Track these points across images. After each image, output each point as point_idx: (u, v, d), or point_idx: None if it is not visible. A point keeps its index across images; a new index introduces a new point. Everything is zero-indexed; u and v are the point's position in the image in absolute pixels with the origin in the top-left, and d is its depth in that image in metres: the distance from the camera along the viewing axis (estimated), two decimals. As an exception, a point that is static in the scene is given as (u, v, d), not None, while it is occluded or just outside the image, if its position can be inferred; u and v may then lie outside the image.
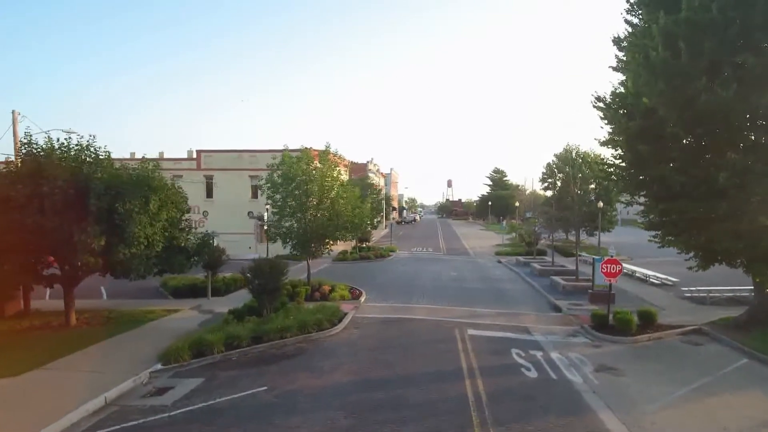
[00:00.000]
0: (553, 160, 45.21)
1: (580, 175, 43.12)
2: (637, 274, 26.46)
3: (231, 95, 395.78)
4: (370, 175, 73.07)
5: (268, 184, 20.86)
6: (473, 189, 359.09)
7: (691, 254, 16.60)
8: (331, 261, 34.93)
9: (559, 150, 46.78)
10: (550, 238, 46.96)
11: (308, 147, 22.10)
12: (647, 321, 16.11)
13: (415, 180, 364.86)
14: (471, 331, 15.72)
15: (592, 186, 44.19)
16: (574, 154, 44.25)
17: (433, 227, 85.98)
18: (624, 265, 30.62)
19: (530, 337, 15.36)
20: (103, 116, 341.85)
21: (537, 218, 36.47)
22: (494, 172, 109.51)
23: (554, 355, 13.53)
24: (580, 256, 28.98)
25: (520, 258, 34.48)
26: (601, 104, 18.22)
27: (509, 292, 23.27)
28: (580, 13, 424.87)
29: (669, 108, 13.14)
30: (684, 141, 14.83)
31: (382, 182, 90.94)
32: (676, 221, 16.11)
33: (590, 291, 20.52)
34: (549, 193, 46.29)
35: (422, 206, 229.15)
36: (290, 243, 21.46)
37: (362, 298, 20.79)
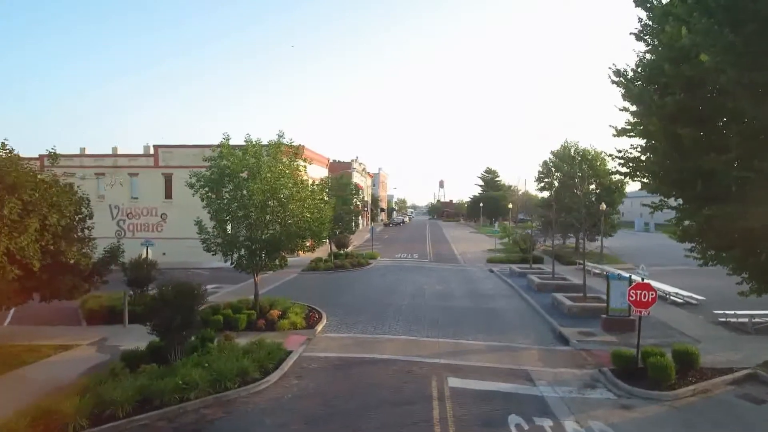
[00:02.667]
0: (550, 158, 41.32)
1: (579, 174, 39.33)
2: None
3: (231, 95, 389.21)
4: (355, 174, 68.90)
5: (200, 182, 16.60)
6: (466, 190, 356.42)
7: (744, 275, 12.61)
8: (299, 271, 30.73)
9: (557, 147, 42.99)
10: (548, 243, 43.15)
11: (255, 139, 17.83)
12: (687, 364, 12.09)
13: (408, 181, 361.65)
14: (453, 381, 11.58)
15: (593, 186, 40.49)
16: (572, 151, 40.37)
17: (421, 230, 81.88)
18: (631, 275, 26.88)
19: (533, 390, 11.26)
20: (101, 117, 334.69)
21: (533, 221, 32.35)
22: (486, 172, 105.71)
23: (570, 425, 9.45)
24: (585, 266, 24.17)
25: (515, 267, 30.45)
26: (621, 79, 14.23)
27: (503, 314, 19.18)
28: (576, 9, 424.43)
29: (739, 69, 9.05)
30: (751, 121, 10.74)
31: (368, 182, 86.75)
32: (725, 231, 12.10)
33: (604, 316, 16.48)
34: (545, 193, 42.41)
35: (414, 207, 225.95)
36: (232, 256, 17.24)
37: (320, 326, 16.58)
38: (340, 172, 39.75)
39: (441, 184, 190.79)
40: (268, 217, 17.13)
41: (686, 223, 13.85)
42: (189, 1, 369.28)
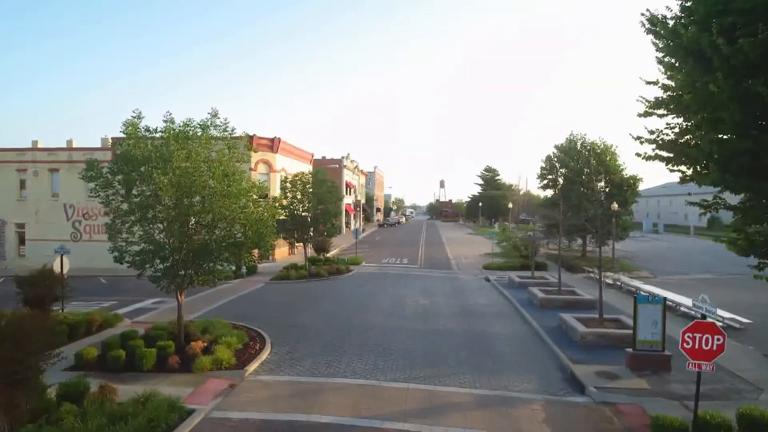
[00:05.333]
0: (554, 153, 37.29)
1: (587, 170, 35.34)
2: (681, 307, 18.57)
3: (231, 93, 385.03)
4: (346, 172, 64.96)
5: (90, 173, 12.68)
6: (467, 189, 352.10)
7: None
8: (267, 281, 26.82)
9: (561, 141, 39.00)
10: (552, 246, 39.10)
11: (185, 120, 13.84)
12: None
13: (409, 181, 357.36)
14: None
15: (601, 184, 36.46)
16: (579, 145, 36.36)
17: (417, 231, 77.87)
18: (649, 288, 22.81)
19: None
20: (102, 119, 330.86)
21: (535, 223, 28.27)
22: (486, 170, 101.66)
23: None
24: (601, 280, 17.76)
25: (515, 275, 26.46)
26: (659, 29, 10.28)
27: (498, 342, 15.20)
28: (576, 6, 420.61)
29: None
30: None
31: (362, 180, 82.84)
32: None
33: (629, 350, 12.49)
34: (549, 192, 38.42)
35: (415, 207, 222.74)
36: (144, 269, 13.31)
37: (255, 363, 12.60)
38: (318, 168, 35.76)
39: (441, 184, 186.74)
40: (192, 219, 13.18)
41: (754, 228, 9.88)
42: (190, 1, 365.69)
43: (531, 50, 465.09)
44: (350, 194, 69.38)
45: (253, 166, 33.41)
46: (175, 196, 12.19)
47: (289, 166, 36.18)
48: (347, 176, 66.50)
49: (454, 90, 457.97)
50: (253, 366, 12.31)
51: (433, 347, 14.42)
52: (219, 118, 14.03)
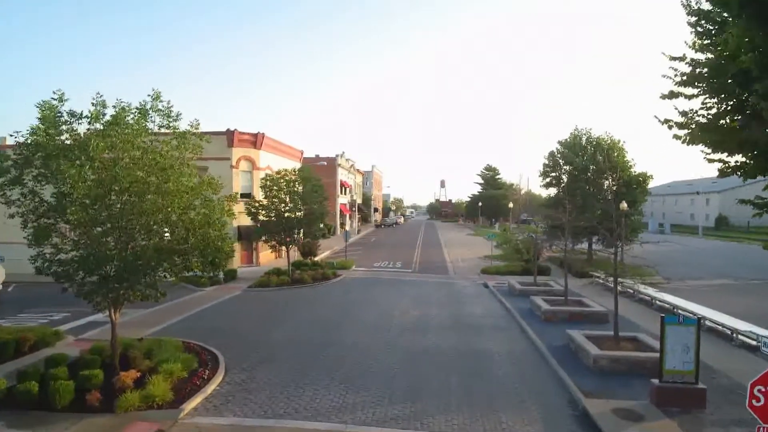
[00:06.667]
0: (557, 148, 34.98)
1: (593, 167, 33.01)
2: (706, 321, 16.25)
3: (229, 94, 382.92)
4: (341, 171, 62.74)
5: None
6: (468, 189, 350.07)
7: None
8: (245, 288, 24.60)
9: (565, 136, 36.68)
10: (555, 249, 36.78)
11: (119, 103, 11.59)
12: None
13: (410, 181, 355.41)
14: None
15: (609, 181, 34.12)
16: (584, 140, 34.05)
17: (415, 232, 75.62)
18: (667, 297, 20.37)
19: None
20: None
21: (538, 224, 25.95)
22: (486, 169, 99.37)
23: None
24: (617, 291, 14.43)
25: (516, 282, 24.16)
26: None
27: (495, 366, 12.92)
28: (577, 4, 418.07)
29: None
30: None
31: (358, 180, 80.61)
32: None
33: (656, 382, 10.19)
34: (552, 191, 36.07)
35: (415, 207, 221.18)
36: (73, 283, 11.08)
37: (197, 399, 10.31)
38: (304, 165, 33.46)
39: (442, 184, 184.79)
40: (123, 222, 10.93)
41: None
42: (191, 1, 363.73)
43: (533, 48, 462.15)
44: (345, 194, 67.14)
45: (234, 163, 31.18)
46: (94, 193, 9.92)
47: (275, 164, 33.90)
48: (342, 175, 64.26)
49: (455, 89, 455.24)
50: (192, 403, 10.03)
51: (420, 372, 12.16)
52: (162, 101, 11.80)
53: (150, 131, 11.62)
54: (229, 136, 30.82)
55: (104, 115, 11.16)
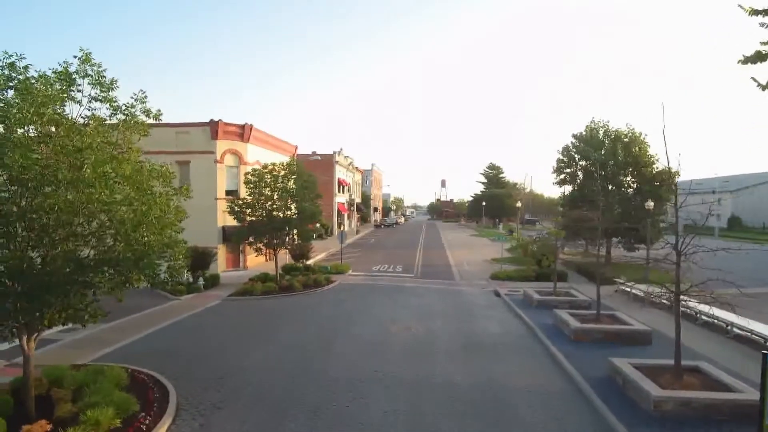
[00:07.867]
0: (572, 142, 32.15)
1: (612, 162, 30.20)
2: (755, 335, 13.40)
3: (228, 94, 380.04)
4: (338, 169, 59.94)
5: None
6: (469, 189, 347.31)
7: None
8: (226, 296, 21.79)
9: (580, 129, 33.90)
10: (570, 252, 34.03)
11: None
12: None
13: (411, 181, 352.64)
14: None
15: (628, 178, 31.34)
16: (602, 134, 31.24)
17: (416, 232, 72.80)
18: (718, 313, 16.84)
19: None
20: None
21: (557, 226, 23.16)
22: (489, 168, 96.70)
23: None
24: (679, 310, 11.13)
25: (532, 290, 21.28)
26: None
27: (524, 408, 10.05)
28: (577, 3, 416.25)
29: None
30: None
31: (357, 178, 77.79)
32: None
33: (757, 446, 7.36)
34: (567, 188, 33.20)
35: (416, 207, 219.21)
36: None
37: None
38: (294, 160, 30.55)
39: (443, 183, 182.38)
40: (43, 218, 8.12)
41: None
42: (192, 2, 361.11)
43: (535, 46, 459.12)
44: (343, 192, 64.35)
45: (219, 157, 28.34)
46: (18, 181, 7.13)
47: (265, 158, 31.09)
48: (340, 173, 61.45)
49: (457, 89, 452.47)
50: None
51: (425, 421, 9.32)
52: (93, 65, 8.99)
53: (76, 100, 8.86)
54: (213, 128, 27.98)
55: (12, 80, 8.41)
